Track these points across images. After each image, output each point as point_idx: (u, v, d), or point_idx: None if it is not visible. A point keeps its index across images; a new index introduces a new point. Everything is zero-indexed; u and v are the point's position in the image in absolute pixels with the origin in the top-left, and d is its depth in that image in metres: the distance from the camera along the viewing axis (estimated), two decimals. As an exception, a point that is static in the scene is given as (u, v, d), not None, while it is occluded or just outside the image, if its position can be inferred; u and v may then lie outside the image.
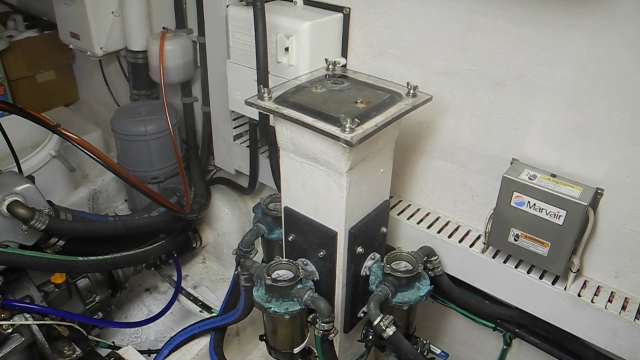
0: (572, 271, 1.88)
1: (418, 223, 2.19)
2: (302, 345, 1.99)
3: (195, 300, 2.65)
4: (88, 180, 3.30)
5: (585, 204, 1.71)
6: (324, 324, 1.81)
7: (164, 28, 2.68)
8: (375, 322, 1.77)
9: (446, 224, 2.19)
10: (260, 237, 2.23)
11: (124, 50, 3.01)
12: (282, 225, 2.03)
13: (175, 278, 2.77)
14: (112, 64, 3.47)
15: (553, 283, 1.91)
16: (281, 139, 1.81)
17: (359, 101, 1.73)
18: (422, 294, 1.88)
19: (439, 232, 2.15)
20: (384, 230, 2.04)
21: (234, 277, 2.38)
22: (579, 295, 1.87)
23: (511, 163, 1.94)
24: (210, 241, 3.02)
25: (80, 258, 2.01)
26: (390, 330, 1.76)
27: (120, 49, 3.00)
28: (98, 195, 3.23)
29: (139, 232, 2.34)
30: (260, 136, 2.26)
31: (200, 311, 2.61)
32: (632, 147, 1.69)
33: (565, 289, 1.89)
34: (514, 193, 1.83)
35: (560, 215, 1.77)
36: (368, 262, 2.00)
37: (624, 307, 1.83)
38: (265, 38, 1.96)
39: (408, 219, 2.21)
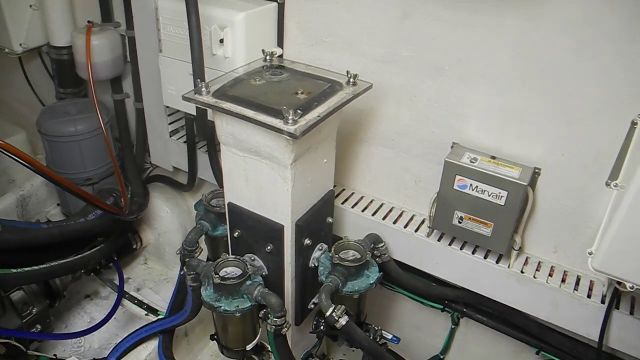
0: (514, 249, 1.94)
1: (363, 211, 2.20)
2: (254, 342, 1.96)
3: (139, 304, 2.56)
4: (15, 186, 3.10)
5: (525, 183, 1.76)
6: (276, 319, 1.79)
7: (89, 22, 2.53)
8: (328, 313, 1.76)
9: (390, 210, 2.20)
10: (204, 235, 2.17)
11: (46, 46, 2.83)
12: (227, 222, 1.98)
13: (117, 282, 2.65)
14: (33, 62, 3.25)
15: (497, 262, 1.97)
16: (222, 134, 1.75)
17: (299, 92, 1.70)
18: (371, 282, 1.89)
19: (384, 218, 2.16)
20: (330, 220, 2.03)
21: (180, 278, 2.30)
22: (521, 272, 1.93)
23: (452, 147, 1.97)
24: (151, 241, 2.91)
25: (14, 270, 1.88)
26: (343, 320, 1.76)
27: (41, 45, 2.82)
28: (27, 201, 3.04)
29: (76, 237, 2.22)
30: (197, 131, 2.19)
31: (146, 314, 2.51)
32: (566, 127, 1.75)
33: (508, 266, 1.95)
34: (457, 176, 1.86)
35: (501, 196, 1.81)
36: (316, 253, 1.99)
37: (563, 280, 1.91)
38: (200, 30, 1.89)
39: (352, 207, 2.21)
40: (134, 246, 2.82)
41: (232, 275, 1.81)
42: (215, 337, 1.99)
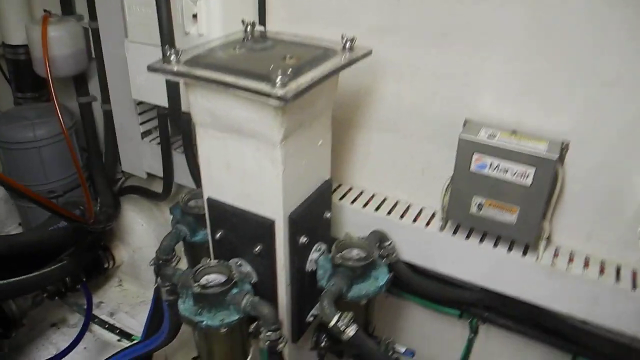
0: (542, 238, 1.67)
1: (364, 207, 1.92)
2: (249, 358, 1.65)
3: (111, 329, 2.23)
4: (-32, 203, 2.78)
5: (555, 157, 1.51)
6: (270, 333, 1.49)
7: (45, 11, 2.26)
8: (332, 323, 1.47)
9: (395, 205, 1.93)
10: (182, 242, 1.87)
11: (0, 46, 2.55)
12: (207, 222, 1.69)
13: (85, 306, 2.32)
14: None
15: (523, 254, 1.70)
16: (197, 112, 1.47)
17: (288, 57, 1.43)
18: (380, 284, 1.60)
19: (388, 213, 1.89)
20: (328, 215, 1.74)
21: (155, 293, 1.99)
22: (552, 264, 1.66)
23: (464, 124, 1.71)
24: (125, 259, 2.59)
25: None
26: (351, 331, 1.46)
27: (-5, 44, 2.55)
28: (-17, 221, 2.72)
29: (31, 252, 1.90)
30: (171, 125, 1.91)
31: (119, 340, 2.19)
32: (598, 88, 1.51)
33: (537, 259, 1.68)
34: (474, 155, 1.60)
35: (528, 174, 1.55)
36: (314, 255, 1.69)
37: (601, 271, 1.64)
38: (168, -4, 1.62)
39: (351, 203, 1.94)
40: (106, 265, 2.50)
41: (215, 283, 1.51)
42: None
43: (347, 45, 1.51)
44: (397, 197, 1.95)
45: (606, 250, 1.69)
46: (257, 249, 1.57)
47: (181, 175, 2.30)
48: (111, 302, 2.55)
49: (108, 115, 2.47)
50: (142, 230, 2.53)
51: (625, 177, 1.57)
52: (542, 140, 1.57)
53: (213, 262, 1.56)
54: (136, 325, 2.38)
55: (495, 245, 1.73)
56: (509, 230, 1.65)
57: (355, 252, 1.65)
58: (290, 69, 1.27)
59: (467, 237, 1.77)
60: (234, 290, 1.50)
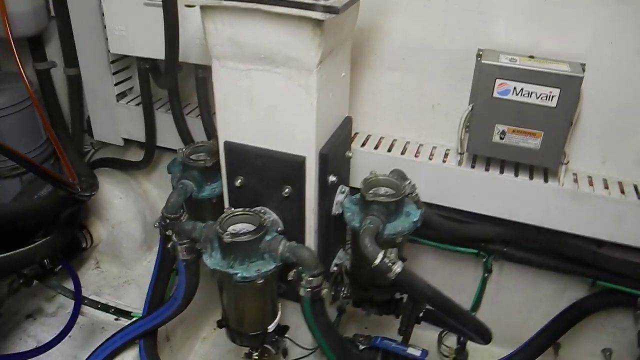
0: (563, 164, 1.67)
1: (375, 149, 1.85)
2: (276, 320, 1.54)
3: (104, 308, 2.02)
4: None
5: (581, 75, 1.50)
6: (311, 278, 1.39)
7: (-4, -41, 2.00)
8: (378, 261, 1.37)
9: (406, 145, 1.87)
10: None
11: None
12: (223, 170, 1.55)
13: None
14: None
15: (545, 181, 1.69)
16: (216, 42, 1.33)
17: (312, -24, 1.33)
18: (414, 219, 1.52)
19: (402, 153, 1.82)
20: (350, 154, 1.66)
21: (159, 259, 1.82)
22: (577, 188, 1.66)
23: (478, 56, 1.67)
24: (103, 237, 2.37)
25: None
26: (398, 267, 1.38)
27: None
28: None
29: (15, 226, 1.68)
30: (166, 74, 1.72)
31: (116, 319, 1.99)
32: (614, 6, 1.51)
33: (561, 184, 1.67)
34: (497, 81, 1.57)
35: (553, 96, 1.54)
36: (339, 197, 1.60)
37: (622, 192, 1.67)
38: None
39: (362, 146, 1.86)
40: (84, 245, 2.28)
41: (246, 231, 1.39)
42: (225, 322, 1.55)
43: (369, -34, 1.42)
44: (407, 137, 1.90)
45: (622, 172, 1.72)
46: (286, 191, 1.45)
47: (167, 137, 2.12)
48: (90, 286, 2.31)
49: (74, 81, 2.23)
50: (120, 204, 2.32)
51: (638, 96, 1.59)
52: (562, 62, 1.56)
53: (237, 210, 1.44)
54: (124, 306, 2.18)
55: (516, 175, 1.71)
56: (532, 157, 1.64)
57: (383, 191, 1.57)
58: (327, -17, 1.17)
59: (486, 169, 1.74)
60: (268, 237, 1.39)
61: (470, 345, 2.08)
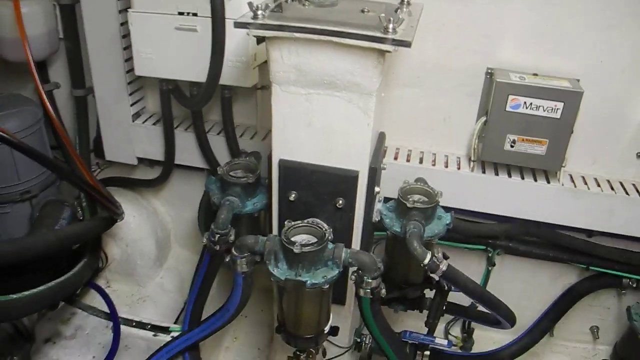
0: (562, 166, 1.91)
1: (395, 159, 2.02)
2: (330, 322, 1.67)
3: (140, 325, 2.05)
4: None
5: (582, 90, 1.74)
6: (371, 280, 1.53)
7: (12, -15, 1.99)
8: (427, 261, 1.54)
9: (422, 155, 2.05)
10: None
11: None
12: (275, 185, 1.65)
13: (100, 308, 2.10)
14: None
15: (547, 182, 1.93)
16: (280, 70, 1.45)
17: (366, 10, 1.48)
18: (447, 222, 1.71)
19: (420, 162, 2.01)
20: (384, 166, 1.81)
21: (203, 275, 1.88)
22: (575, 187, 1.91)
23: (487, 74, 1.89)
24: (116, 257, 2.39)
25: (14, 296, 1.35)
26: (444, 265, 1.56)
27: None
28: None
29: (70, 245, 1.69)
30: (203, 97, 1.79)
31: (154, 335, 2.03)
32: (605, 33, 1.77)
33: (562, 184, 1.91)
34: (509, 97, 1.78)
35: (557, 109, 1.77)
36: (378, 205, 1.75)
37: (612, 188, 1.93)
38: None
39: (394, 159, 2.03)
40: (100, 264, 2.29)
41: (311, 242, 1.51)
42: (282, 327, 1.66)
43: (405, 0, 1.59)
44: (421, 147, 2.08)
45: (609, 172, 1.99)
46: (339, 203, 1.59)
47: (186, 155, 2.19)
48: (104, 306, 2.33)
49: (81, 102, 2.26)
50: (134, 222, 2.35)
51: (625, 104, 1.86)
52: (562, 79, 1.80)
53: (298, 222, 1.55)
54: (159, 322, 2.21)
55: (522, 178, 1.94)
56: (538, 161, 1.87)
57: (417, 197, 1.74)
58: (392, 18, 1.32)
59: (496, 174, 1.95)
60: (330, 246, 1.52)
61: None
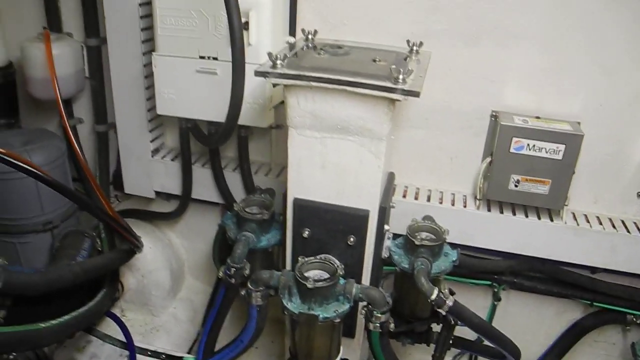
0: (565, 205, 1.98)
1: (403, 197, 2.10)
2: (340, 354, 1.73)
3: (155, 355, 2.12)
4: None
5: (582, 133, 1.83)
6: (381, 315, 1.59)
7: (45, 28, 2.11)
8: (434, 296, 1.61)
9: (429, 193, 2.13)
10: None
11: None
12: (289, 222, 1.74)
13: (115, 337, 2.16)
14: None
15: (551, 220, 2.00)
16: (296, 115, 1.55)
17: (377, 60, 1.58)
18: (453, 259, 1.78)
19: (427, 200, 2.08)
20: (393, 205, 1.89)
21: (218, 306, 1.95)
22: (577, 225, 1.98)
23: (491, 116, 1.98)
24: (132, 286, 2.46)
25: (42, 324, 1.43)
26: (450, 301, 1.62)
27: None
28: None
29: (93, 277, 1.77)
30: (222, 136, 1.89)
31: (167, 364, 2.09)
32: (604, 77, 1.86)
33: (564, 222, 1.98)
34: (513, 139, 1.87)
35: (559, 151, 1.85)
36: (387, 242, 1.83)
37: (613, 226, 2.00)
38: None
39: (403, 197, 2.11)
40: (116, 295, 2.36)
41: (323, 277, 1.58)
42: (294, 359, 1.72)
43: (415, 49, 1.69)
44: (428, 186, 2.16)
45: (610, 210, 2.06)
46: (351, 240, 1.67)
47: (201, 190, 2.28)
48: (119, 335, 2.40)
49: (102, 137, 2.37)
50: (150, 253, 2.42)
51: (625, 144, 1.94)
52: (563, 122, 1.89)
53: (311, 259, 1.62)
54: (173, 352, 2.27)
55: (526, 216, 2.01)
56: (542, 201, 1.94)
57: (424, 235, 1.82)
58: (402, 69, 1.42)
59: (501, 212, 2.03)
60: (342, 281, 1.59)
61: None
